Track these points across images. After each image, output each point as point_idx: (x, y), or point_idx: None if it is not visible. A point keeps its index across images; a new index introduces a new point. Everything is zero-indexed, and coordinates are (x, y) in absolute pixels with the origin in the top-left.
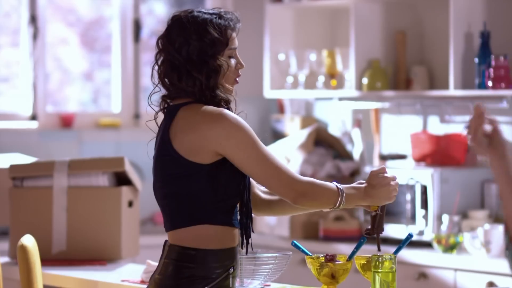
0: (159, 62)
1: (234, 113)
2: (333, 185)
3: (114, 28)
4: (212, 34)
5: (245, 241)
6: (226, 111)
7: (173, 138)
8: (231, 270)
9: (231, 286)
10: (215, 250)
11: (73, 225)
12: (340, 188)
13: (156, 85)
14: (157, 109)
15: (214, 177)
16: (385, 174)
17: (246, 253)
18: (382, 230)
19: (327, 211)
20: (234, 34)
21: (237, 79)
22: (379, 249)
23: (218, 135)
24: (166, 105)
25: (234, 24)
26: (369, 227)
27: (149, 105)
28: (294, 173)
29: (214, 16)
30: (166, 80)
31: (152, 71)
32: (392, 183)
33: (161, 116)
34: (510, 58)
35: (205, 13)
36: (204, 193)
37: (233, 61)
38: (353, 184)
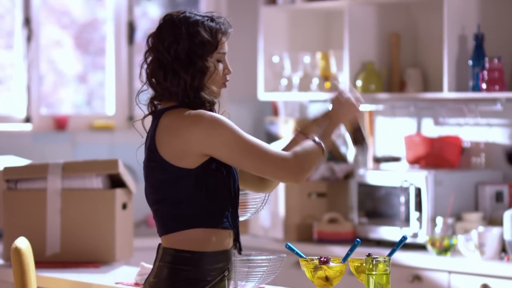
0: (148, 61)
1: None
2: (310, 142)
3: (108, 31)
4: (202, 36)
5: (237, 242)
6: (204, 112)
7: (158, 144)
8: (226, 272)
9: None
10: (209, 253)
11: (67, 227)
12: (316, 140)
13: (144, 84)
14: (144, 108)
15: (202, 181)
16: (340, 94)
17: (239, 253)
18: (364, 140)
19: (322, 214)
20: (224, 39)
21: (225, 83)
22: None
23: (199, 136)
24: (154, 108)
25: (225, 29)
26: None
27: (136, 104)
28: (281, 154)
29: (206, 18)
30: (153, 79)
31: (141, 69)
32: (348, 99)
33: (149, 119)
34: (504, 60)
35: (197, 14)
36: (194, 198)
37: (221, 66)
38: (319, 122)
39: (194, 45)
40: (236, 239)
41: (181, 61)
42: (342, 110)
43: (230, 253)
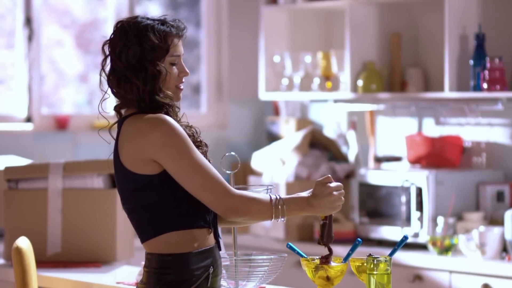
0: (106, 69)
1: (177, 118)
2: (267, 198)
3: (109, 30)
4: (152, 40)
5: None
6: (162, 118)
7: (120, 153)
8: (211, 270)
9: (213, 286)
10: (191, 253)
11: (68, 227)
12: (275, 201)
13: (105, 92)
14: (108, 116)
15: (168, 185)
16: (329, 184)
17: (219, 249)
18: (331, 239)
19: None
20: (176, 41)
21: (181, 86)
22: (330, 253)
23: (153, 144)
24: (119, 116)
25: (178, 31)
26: (320, 235)
27: (99, 113)
28: (226, 186)
29: (157, 22)
30: (110, 89)
31: (100, 77)
32: (335, 193)
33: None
34: (505, 60)
35: (148, 19)
36: (163, 203)
37: (175, 69)
38: (298, 194)
39: (144, 50)
40: (215, 237)
41: (132, 67)
42: (323, 203)
43: (214, 251)
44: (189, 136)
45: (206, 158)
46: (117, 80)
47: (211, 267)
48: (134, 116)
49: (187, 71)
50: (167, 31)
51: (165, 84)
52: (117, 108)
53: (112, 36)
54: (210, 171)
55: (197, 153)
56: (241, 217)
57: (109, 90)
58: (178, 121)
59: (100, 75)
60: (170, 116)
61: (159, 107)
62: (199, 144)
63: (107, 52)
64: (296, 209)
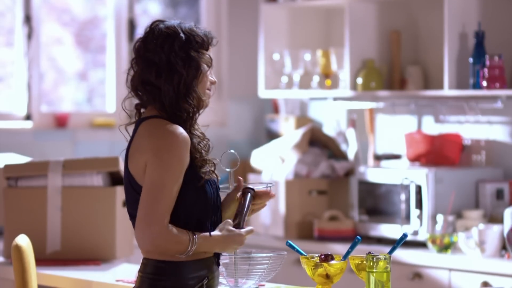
0: (135, 68)
1: (194, 127)
2: (187, 237)
3: (109, 28)
4: (199, 35)
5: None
6: (171, 133)
7: (130, 158)
8: (205, 280)
9: None
10: (186, 262)
11: (68, 225)
12: (191, 240)
13: (131, 91)
14: (129, 113)
15: None
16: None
17: (217, 264)
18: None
19: (323, 211)
20: (211, 48)
21: (210, 92)
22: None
23: (149, 153)
24: (139, 115)
25: (212, 39)
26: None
27: (123, 109)
28: (159, 225)
29: (195, 25)
30: (139, 85)
31: (127, 76)
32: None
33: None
34: (505, 58)
35: (187, 23)
36: None
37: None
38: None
39: (190, 41)
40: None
41: (176, 54)
42: (226, 242)
43: (211, 262)
44: (197, 152)
45: (213, 176)
46: (156, 71)
47: (206, 278)
48: (152, 120)
49: (216, 80)
50: (208, 35)
51: (200, 84)
52: (138, 107)
53: (150, 32)
54: (164, 205)
55: (173, 184)
56: (158, 250)
57: (131, 91)
58: (192, 133)
59: (128, 73)
60: (186, 127)
61: (186, 107)
62: (204, 163)
63: (138, 49)
64: (206, 248)
